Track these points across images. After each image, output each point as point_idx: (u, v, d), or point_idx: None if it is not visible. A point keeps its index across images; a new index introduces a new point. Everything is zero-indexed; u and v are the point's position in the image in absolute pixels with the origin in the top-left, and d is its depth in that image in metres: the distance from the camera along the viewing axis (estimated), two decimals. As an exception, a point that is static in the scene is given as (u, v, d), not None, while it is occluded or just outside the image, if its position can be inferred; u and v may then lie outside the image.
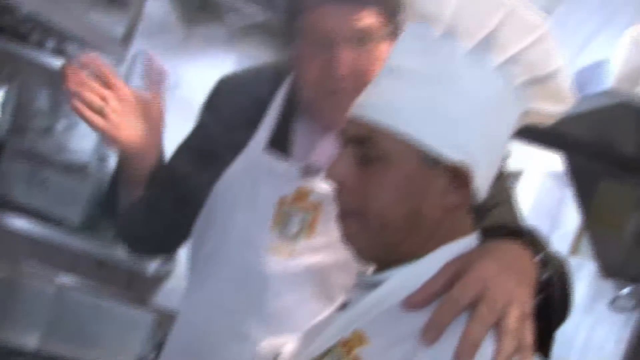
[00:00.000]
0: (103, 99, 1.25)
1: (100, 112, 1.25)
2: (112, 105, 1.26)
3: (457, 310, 0.83)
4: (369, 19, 1.13)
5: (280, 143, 1.25)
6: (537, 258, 0.94)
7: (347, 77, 1.13)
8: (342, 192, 0.92)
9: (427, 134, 0.86)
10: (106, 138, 1.28)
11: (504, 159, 1.22)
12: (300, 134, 1.26)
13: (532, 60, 0.88)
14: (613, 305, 2.16)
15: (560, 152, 2.34)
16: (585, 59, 1.57)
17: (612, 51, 1.39)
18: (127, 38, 1.70)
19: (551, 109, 0.92)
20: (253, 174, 1.24)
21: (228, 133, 1.26)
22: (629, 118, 2.03)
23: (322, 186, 1.18)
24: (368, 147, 0.88)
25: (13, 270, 3.08)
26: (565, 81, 0.91)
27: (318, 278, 1.19)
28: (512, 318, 0.83)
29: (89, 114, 1.24)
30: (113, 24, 3.46)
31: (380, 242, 0.91)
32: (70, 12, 1.30)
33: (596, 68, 1.45)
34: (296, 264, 1.20)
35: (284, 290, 1.20)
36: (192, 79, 3.67)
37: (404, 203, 0.88)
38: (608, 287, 2.42)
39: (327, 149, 1.21)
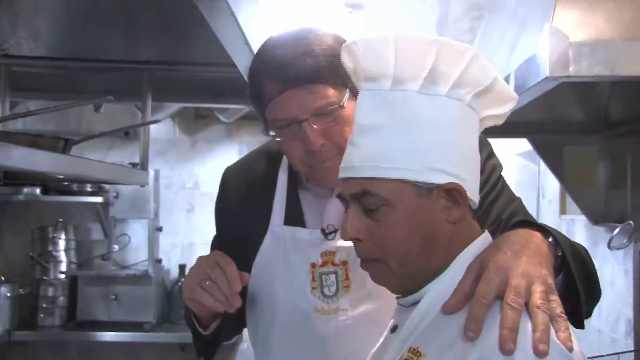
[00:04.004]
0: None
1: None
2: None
3: (488, 303, 0.83)
4: (325, 94, 1.09)
5: (294, 214, 1.24)
6: (550, 239, 0.94)
7: (323, 147, 1.11)
8: (359, 245, 0.93)
9: (410, 170, 0.87)
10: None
11: (498, 169, 1.25)
12: (307, 203, 1.24)
13: (472, 79, 0.90)
14: (611, 245, 2.17)
15: (525, 136, 2.39)
16: (519, 58, 1.61)
17: (537, 45, 1.41)
18: (145, 163, 1.80)
19: (499, 111, 0.95)
20: (281, 248, 1.22)
21: (245, 216, 1.22)
22: (569, 94, 2.09)
23: (343, 244, 1.16)
24: (368, 199, 0.89)
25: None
26: (503, 86, 0.94)
27: (369, 325, 1.14)
28: (538, 295, 0.83)
29: (207, 297, 1.10)
30: (132, 153, 3.57)
31: (406, 274, 0.92)
32: (99, 166, 1.31)
33: (530, 63, 1.49)
34: (345, 318, 1.17)
35: (342, 343, 1.17)
36: (207, 176, 3.83)
37: (416, 234, 0.89)
38: (602, 231, 2.44)
39: (334, 210, 1.19)
